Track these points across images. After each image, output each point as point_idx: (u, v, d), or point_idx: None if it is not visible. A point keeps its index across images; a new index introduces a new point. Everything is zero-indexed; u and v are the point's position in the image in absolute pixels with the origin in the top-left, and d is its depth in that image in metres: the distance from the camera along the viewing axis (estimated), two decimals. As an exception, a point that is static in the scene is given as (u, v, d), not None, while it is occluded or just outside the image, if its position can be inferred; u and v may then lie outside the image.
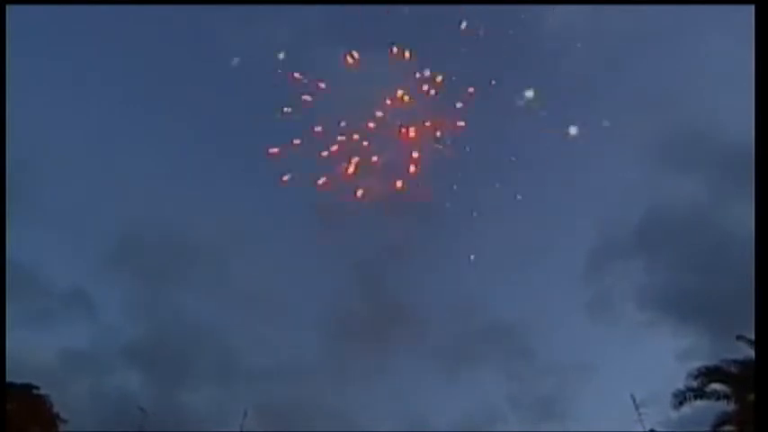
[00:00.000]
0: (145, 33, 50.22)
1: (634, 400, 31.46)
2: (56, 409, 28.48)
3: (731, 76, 41.07)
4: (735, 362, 24.02)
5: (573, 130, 27.60)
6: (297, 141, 27.13)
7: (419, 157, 28.13)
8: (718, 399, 24.32)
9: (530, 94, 28.18)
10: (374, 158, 27.86)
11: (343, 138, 27.55)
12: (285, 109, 26.36)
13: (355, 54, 26.30)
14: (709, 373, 24.59)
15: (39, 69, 50.27)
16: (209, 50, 51.90)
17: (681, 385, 24.75)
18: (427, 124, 27.90)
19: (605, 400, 39.69)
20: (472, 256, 33.78)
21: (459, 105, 27.42)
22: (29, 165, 43.46)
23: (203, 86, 54.31)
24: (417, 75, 26.90)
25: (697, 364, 25.25)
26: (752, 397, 21.02)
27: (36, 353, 39.65)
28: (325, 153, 27.44)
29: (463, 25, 25.03)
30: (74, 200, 54.11)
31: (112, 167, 51.84)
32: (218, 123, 56.02)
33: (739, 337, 23.59)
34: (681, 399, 24.63)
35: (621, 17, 42.12)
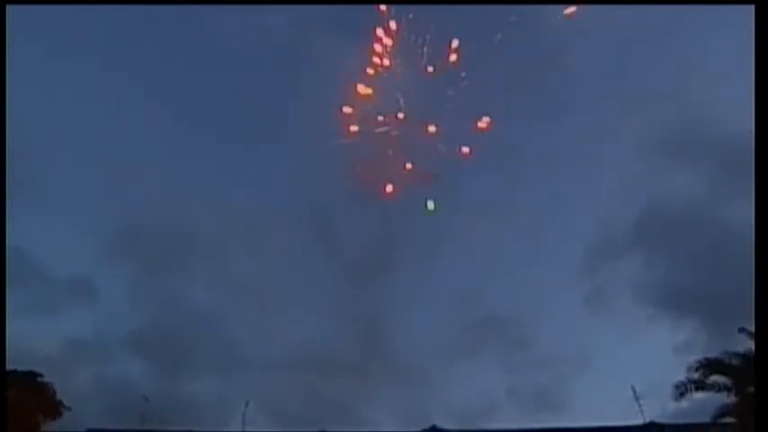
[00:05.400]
0: (145, 24, 50.15)
1: (634, 392, 31.62)
2: (59, 396, 28.59)
3: (731, 71, 40.89)
4: (736, 354, 24.06)
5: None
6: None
7: None
8: (718, 390, 24.39)
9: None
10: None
11: None
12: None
13: None
14: (710, 365, 24.66)
15: (43, 60, 50.33)
16: (209, 42, 51.88)
17: (678, 378, 24.87)
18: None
19: (603, 393, 39.78)
20: None
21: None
22: (33, 153, 43.47)
23: (205, 77, 54.32)
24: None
25: (694, 357, 25.36)
26: (752, 389, 21.06)
27: (39, 341, 39.81)
28: None
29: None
30: (77, 188, 54.26)
31: (116, 156, 51.84)
32: (220, 114, 56.11)
33: (741, 330, 23.57)
34: (682, 390, 24.74)
35: (621, 13, 41.97)
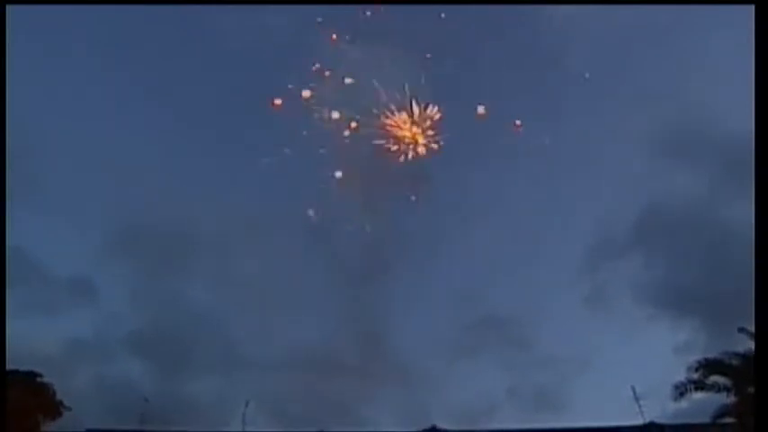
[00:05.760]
0: (145, 24, 50.21)
1: (634, 392, 31.64)
2: (59, 396, 28.59)
3: (731, 71, 40.94)
4: (735, 354, 24.06)
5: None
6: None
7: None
8: (718, 391, 24.39)
9: None
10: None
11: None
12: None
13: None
14: (710, 366, 24.66)
15: (43, 60, 50.39)
16: (209, 42, 51.86)
17: (678, 378, 24.88)
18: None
19: (603, 393, 39.81)
20: None
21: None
22: (33, 153, 43.51)
23: (204, 76, 54.28)
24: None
25: (694, 358, 25.38)
26: (752, 389, 21.06)
27: (39, 341, 39.82)
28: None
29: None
30: (77, 188, 54.23)
31: (116, 156, 51.85)
32: (220, 114, 56.07)
33: (741, 330, 23.55)
34: (682, 390, 24.74)
35: (621, 13, 42.04)
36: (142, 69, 54.10)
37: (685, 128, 49.29)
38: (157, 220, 51.31)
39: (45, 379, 28.56)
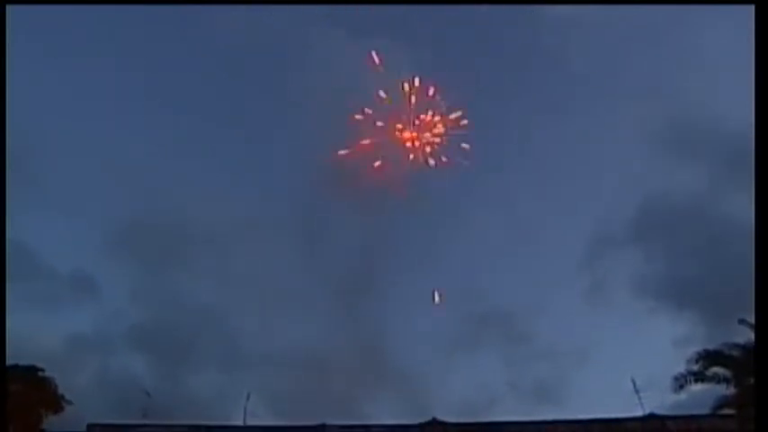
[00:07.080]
0: (145, 24, 50.26)
1: (634, 384, 31.68)
2: (60, 391, 28.64)
3: (730, 66, 41.01)
4: (736, 345, 24.08)
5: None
6: None
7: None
8: (718, 382, 24.42)
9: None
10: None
11: None
12: None
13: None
14: (710, 357, 24.68)
15: (43, 60, 50.48)
16: (210, 39, 51.89)
17: (678, 370, 24.91)
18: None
19: (603, 386, 40.07)
20: None
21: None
22: (33, 153, 43.69)
23: (205, 74, 54.36)
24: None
25: (694, 350, 25.40)
26: (752, 380, 21.10)
27: (41, 336, 39.97)
28: None
29: None
30: (79, 184, 54.46)
31: (116, 156, 51.99)
32: (221, 111, 56.16)
33: (741, 321, 23.56)
34: (681, 382, 24.77)
35: (621, 13, 42.08)
36: (142, 69, 54.17)
37: (685, 125, 49.57)
38: (158, 219, 51.53)
39: (46, 373, 28.61)
